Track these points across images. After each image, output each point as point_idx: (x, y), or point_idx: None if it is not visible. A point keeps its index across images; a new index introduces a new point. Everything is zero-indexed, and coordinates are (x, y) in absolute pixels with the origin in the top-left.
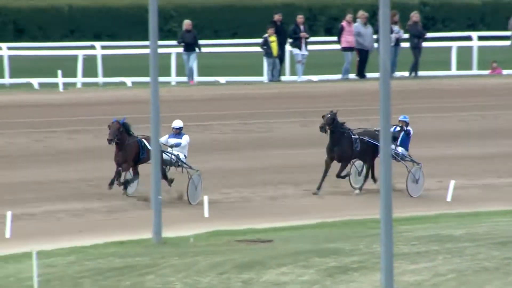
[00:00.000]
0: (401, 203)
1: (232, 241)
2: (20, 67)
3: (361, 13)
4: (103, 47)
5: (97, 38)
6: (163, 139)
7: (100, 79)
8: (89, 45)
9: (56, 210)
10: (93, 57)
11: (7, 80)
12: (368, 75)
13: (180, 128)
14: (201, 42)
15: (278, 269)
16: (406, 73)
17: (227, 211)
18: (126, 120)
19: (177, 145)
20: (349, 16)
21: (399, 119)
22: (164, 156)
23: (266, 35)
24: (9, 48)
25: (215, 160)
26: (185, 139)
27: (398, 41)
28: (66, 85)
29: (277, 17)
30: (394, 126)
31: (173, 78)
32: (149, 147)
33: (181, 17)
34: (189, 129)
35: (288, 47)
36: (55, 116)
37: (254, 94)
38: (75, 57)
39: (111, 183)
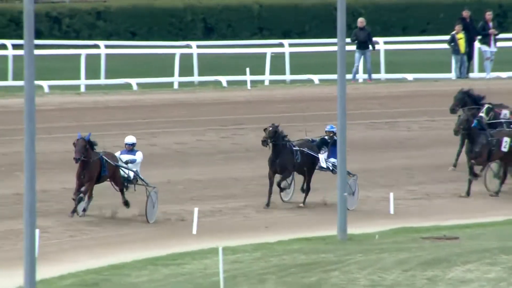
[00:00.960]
0: None
1: (418, 238)
2: (209, 65)
3: None
4: (291, 45)
5: (286, 36)
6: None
7: (288, 76)
8: (277, 43)
9: (242, 207)
10: (281, 55)
11: (195, 78)
12: None
13: (133, 144)
14: (389, 39)
15: (464, 267)
16: None
17: (412, 208)
18: (91, 137)
19: (132, 161)
20: None
21: (326, 129)
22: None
23: (453, 32)
24: (198, 47)
25: (400, 157)
26: (139, 156)
27: None
28: (253, 82)
29: (465, 13)
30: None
31: (360, 76)
32: (112, 163)
33: (370, 14)
34: (376, 126)
35: (477, 44)
36: (243, 114)
37: (441, 91)
38: (263, 55)
39: (75, 210)
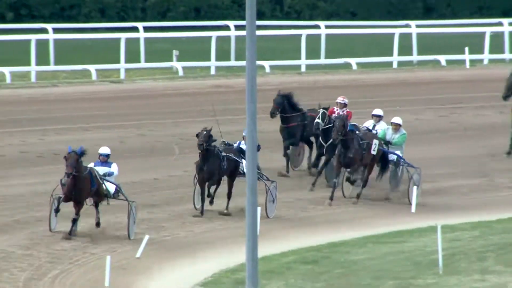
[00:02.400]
0: None
1: None
2: (428, 44)
3: None
4: (510, 24)
5: (506, 15)
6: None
7: (507, 55)
8: (497, 22)
9: (460, 185)
10: (501, 34)
11: (414, 57)
12: None
13: (107, 156)
14: None
15: None
16: None
17: None
18: (84, 149)
19: (110, 174)
20: None
21: (244, 134)
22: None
23: None
24: (418, 26)
25: None
26: (115, 168)
27: None
28: (472, 61)
29: None
30: (238, 142)
31: None
32: (100, 178)
33: None
34: None
35: None
36: (461, 93)
37: None
38: (482, 34)
39: (71, 232)
